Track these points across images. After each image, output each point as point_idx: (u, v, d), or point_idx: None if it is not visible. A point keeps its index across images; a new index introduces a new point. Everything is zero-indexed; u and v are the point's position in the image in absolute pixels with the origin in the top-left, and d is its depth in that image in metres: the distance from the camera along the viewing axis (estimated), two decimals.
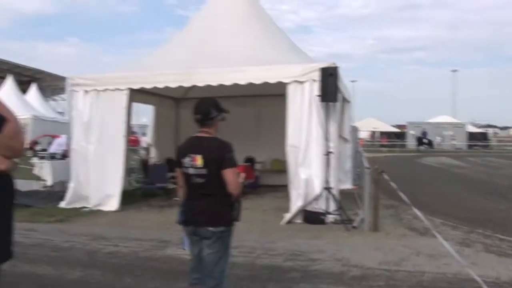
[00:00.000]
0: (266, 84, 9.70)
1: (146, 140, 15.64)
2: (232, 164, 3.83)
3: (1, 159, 1.94)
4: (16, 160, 2.01)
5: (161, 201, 11.22)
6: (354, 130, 15.44)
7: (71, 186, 10.80)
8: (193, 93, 13.44)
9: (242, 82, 9.75)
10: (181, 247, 4.28)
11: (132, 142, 25.46)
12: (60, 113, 42.19)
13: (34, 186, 12.95)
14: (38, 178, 13.27)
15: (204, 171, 3.79)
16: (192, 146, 3.93)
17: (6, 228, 2.09)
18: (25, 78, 45.42)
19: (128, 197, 11.36)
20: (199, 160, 3.81)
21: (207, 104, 3.95)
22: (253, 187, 12.84)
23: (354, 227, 8.53)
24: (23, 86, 36.78)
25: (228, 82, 9.83)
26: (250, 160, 13.65)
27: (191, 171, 3.85)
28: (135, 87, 10.67)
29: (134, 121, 17.04)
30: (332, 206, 9.16)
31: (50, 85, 52.80)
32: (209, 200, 3.84)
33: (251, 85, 9.80)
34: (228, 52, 10.54)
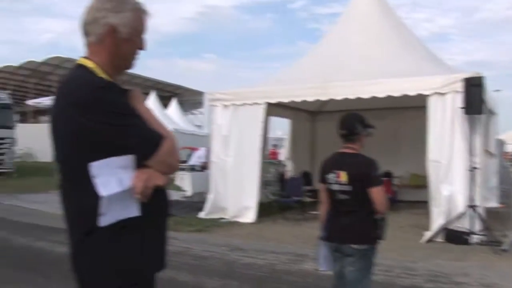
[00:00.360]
0: (404, 96, 9.37)
1: (282, 153, 15.79)
2: (378, 182, 3.73)
3: (159, 175, 2.01)
4: (170, 176, 2.06)
5: (296, 215, 11.23)
6: (500, 143, 14.38)
7: (210, 197, 11.18)
8: (329, 106, 13.38)
9: (381, 95, 9.50)
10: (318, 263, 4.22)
11: (271, 155, 25.78)
12: (198, 126, 44.04)
13: (175, 196, 13.60)
14: (178, 189, 13.90)
15: (348, 188, 3.72)
16: (337, 162, 3.88)
17: (162, 239, 2.17)
18: (166, 93, 48.09)
19: (264, 210, 11.52)
20: (343, 177, 3.74)
21: (353, 120, 3.88)
22: (391, 203, 12.40)
23: (503, 250, 7.89)
24: (164, 101, 38.89)
25: (365, 95, 9.63)
26: (388, 175, 13.22)
27: (335, 187, 3.79)
28: (273, 101, 10.83)
29: (269, 134, 17.27)
30: (477, 226, 8.54)
31: (189, 99, 55.34)
32: (353, 217, 3.75)
33: (389, 97, 9.52)
34: (364, 64, 10.36)
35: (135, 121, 1.98)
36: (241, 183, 10.79)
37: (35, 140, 34.57)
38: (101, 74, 2.05)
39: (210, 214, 11.01)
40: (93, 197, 1.90)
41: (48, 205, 13.22)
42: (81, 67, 2.08)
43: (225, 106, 11.21)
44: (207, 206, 11.17)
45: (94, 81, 1.99)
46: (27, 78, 49.60)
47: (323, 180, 3.95)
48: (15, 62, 47.40)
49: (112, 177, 1.92)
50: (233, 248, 8.22)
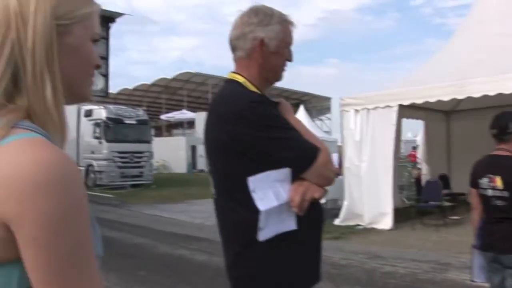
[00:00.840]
0: None
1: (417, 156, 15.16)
2: None
3: (316, 187, 1.97)
4: (326, 188, 2.00)
5: (436, 220, 10.68)
6: None
7: (345, 204, 10.99)
8: (464, 104, 12.60)
9: None
10: (469, 274, 3.91)
11: (411, 158, 24.91)
12: (327, 132, 43.88)
13: None
14: None
15: (505, 194, 3.39)
16: (490, 165, 3.56)
17: (317, 252, 2.13)
18: (293, 101, 48.52)
19: (401, 215, 11.11)
20: (498, 182, 3.43)
21: (506, 118, 3.54)
22: None
23: None
24: (292, 109, 39.28)
25: (508, 90, 8.93)
26: None
27: (490, 192, 3.48)
28: (405, 103, 10.42)
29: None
30: None
31: (316, 106, 55.41)
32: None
33: None
34: (505, 57, 9.61)
35: (290, 133, 1.96)
36: (376, 188, 10.48)
37: (169, 152, 36.53)
38: (251, 88, 2.07)
39: (346, 221, 10.81)
40: (251, 211, 1.89)
41: (185, 214, 13.84)
42: (232, 82, 2.11)
43: (357, 110, 11.00)
44: (342, 212, 10.99)
45: (247, 95, 2.01)
46: (160, 94, 52.56)
47: (475, 185, 3.65)
48: (148, 80, 50.50)
49: (270, 191, 1.90)
50: (372, 255, 7.99)
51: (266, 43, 2.05)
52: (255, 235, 1.90)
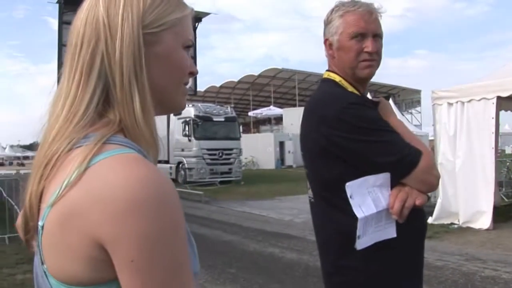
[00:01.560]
0: None
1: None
2: None
3: (417, 193, 1.83)
4: (428, 194, 1.86)
5: None
6: None
7: (439, 201, 10.54)
8: None
9: None
10: None
11: None
12: (417, 125, 42.63)
13: None
14: None
15: None
16: None
17: (419, 262, 2.03)
18: (382, 94, 47.58)
19: (500, 214, 10.51)
20: None
21: None
22: None
23: None
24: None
25: None
26: None
27: None
28: (504, 94, 9.78)
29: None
30: None
31: (405, 99, 54.12)
32: None
33: None
34: None
35: (390, 136, 1.85)
36: (473, 185, 9.92)
37: (257, 149, 36.94)
38: (348, 87, 1.98)
39: (440, 219, 10.35)
40: (349, 218, 1.79)
41: (274, 211, 13.86)
42: (328, 81, 2.04)
43: (450, 104, 10.48)
44: (436, 210, 10.51)
45: (345, 97, 1.93)
46: (247, 91, 53.29)
47: None
48: (235, 78, 51.41)
49: (368, 197, 1.79)
50: (469, 257, 7.58)
51: (330, 42, 2.01)
52: (352, 242, 1.81)
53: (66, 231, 0.82)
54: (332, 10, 2.01)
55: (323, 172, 1.94)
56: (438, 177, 1.90)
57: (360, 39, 1.95)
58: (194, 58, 26.35)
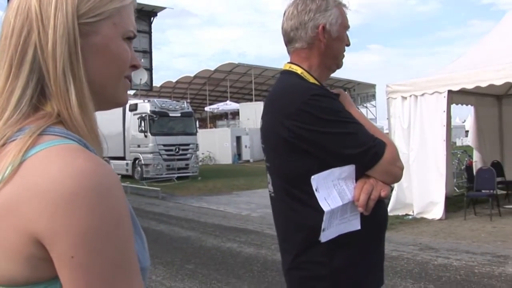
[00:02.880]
0: None
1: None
2: None
3: (382, 185, 1.83)
4: (392, 185, 1.87)
5: (489, 209, 10.28)
6: None
7: (394, 193, 10.73)
8: None
9: None
10: None
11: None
12: (372, 119, 43.34)
13: None
14: None
15: None
16: None
17: (380, 254, 2.02)
18: (337, 88, 48.10)
19: (452, 204, 10.81)
20: None
21: None
22: None
23: None
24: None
25: None
26: None
27: None
28: (455, 88, 10.05)
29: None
30: None
31: (360, 93, 54.89)
32: None
33: None
34: None
35: (354, 128, 1.83)
36: (426, 177, 10.16)
37: (214, 144, 36.83)
38: (310, 79, 1.95)
39: (395, 211, 10.55)
40: (312, 210, 1.79)
41: (232, 206, 13.86)
42: (289, 73, 2.00)
43: (404, 97, 10.70)
44: (391, 202, 10.70)
45: (307, 88, 1.89)
46: (203, 86, 53.00)
47: None
48: (191, 73, 51.03)
49: (334, 190, 1.78)
50: (423, 247, 7.78)
51: (328, 29, 1.94)
52: (316, 236, 1.79)
53: (2, 229, 0.77)
54: None
55: (286, 165, 1.91)
56: (402, 168, 1.90)
57: (347, 33, 2.05)
58: (149, 53, 26.10)
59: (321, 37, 1.94)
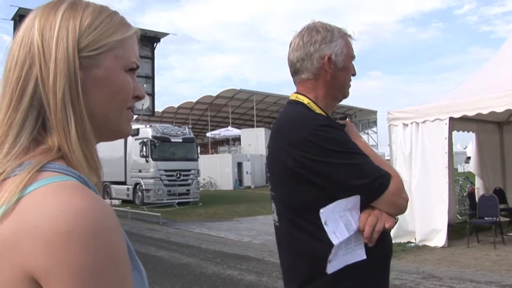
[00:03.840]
0: None
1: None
2: None
3: (387, 217, 1.81)
4: (397, 217, 1.85)
5: (492, 237, 10.18)
6: None
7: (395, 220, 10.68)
8: None
9: None
10: None
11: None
12: (373, 146, 43.33)
13: None
14: None
15: None
16: None
17: (385, 285, 2.00)
18: (339, 115, 48.06)
19: (455, 232, 10.73)
20: None
21: None
22: None
23: None
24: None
25: None
26: None
27: None
28: (457, 115, 10.08)
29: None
30: None
31: (361, 119, 55.00)
32: None
33: None
34: None
35: (359, 159, 1.83)
36: (428, 204, 10.12)
37: (215, 170, 36.81)
38: (317, 110, 1.96)
39: (397, 238, 10.44)
40: (316, 241, 1.79)
41: (233, 233, 13.76)
42: (296, 103, 2.00)
43: (405, 124, 10.72)
44: (393, 229, 10.57)
45: (314, 119, 1.89)
46: (205, 112, 53.19)
47: None
48: (193, 98, 51.32)
49: (341, 222, 1.76)
50: (426, 275, 7.69)
51: (333, 60, 1.96)
52: (320, 266, 1.76)
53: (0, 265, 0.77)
54: (329, 29, 1.99)
55: (291, 195, 1.90)
56: (407, 199, 1.88)
57: (353, 62, 2.06)
58: (152, 78, 26.23)
59: (327, 67, 1.95)
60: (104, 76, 0.95)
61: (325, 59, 1.95)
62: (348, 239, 1.77)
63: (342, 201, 1.76)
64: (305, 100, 1.97)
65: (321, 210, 1.74)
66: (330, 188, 1.80)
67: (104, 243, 0.76)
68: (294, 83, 2.07)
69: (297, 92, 2.04)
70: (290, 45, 2.04)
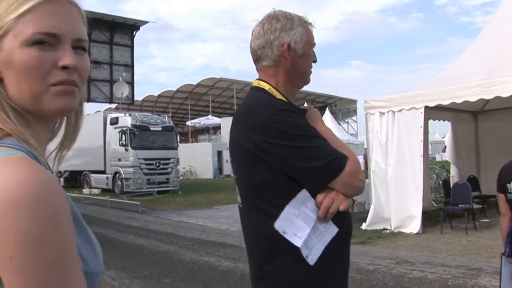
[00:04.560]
0: None
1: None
2: None
3: (342, 198, 1.88)
4: (354, 198, 1.92)
5: (465, 223, 10.40)
6: None
7: (372, 208, 10.86)
8: (492, 105, 12.35)
9: None
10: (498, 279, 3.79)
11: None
12: (353, 135, 43.58)
13: None
14: None
15: None
16: None
17: (347, 265, 2.06)
18: (319, 104, 48.44)
19: (429, 219, 10.94)
20: None
21: None
22: None
23: None
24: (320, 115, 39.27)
25: None
26: None
27: None
28: (432, 104, 10.24)
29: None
30: None
31: (341, 108, 55.22)
32: None
33: None
34: None
35: (316, 142, 1.88)
36: (404, 191, 10.31)
37: (195, 158, 36.74)
38: (278, 95, 2.01)
39: (373, 225, 10.67)
40: (273, 221, 1.84)
41: (211, 220, 13.84)
42: (257, 89, 2.06)
43: (382, 113, 10.87)
44: (369, 216, 10.84)
45: (273, 103, 1.95)
46: (185, 101, 52.89)
47: (503, 190, 3.54)
48: (173, 87, 50.93)
49: (297, 220, 1.83)
50: (400, 260, 7.85)
51: (293, 47, 2.01)
52: (280, 245, 1.85)
53: None
54: (289, 17, 2.03)
55: (251, 177, 1.96)
56: (363, 181, 1.95)
57: (313, 50, 2.11)
58: (131, 66, 26.08)
59: (286, 55, 2.01)
60: (6, 59, 0.94)
61: (285, 47, 2.00)
62: (314, 227, 1.83)
63: (289, 205, 1.83)
64: (266, 86, 2.03)
65: (275, 225, 1.82)
66: (287, 170, 1.86)
67: (45, 209, 0.81)
68: (257, 70, 2.12)
69: (259, 79, 2.09)
70: (252, 33, 2.09)
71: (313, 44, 2.11)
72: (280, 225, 1.83)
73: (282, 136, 1.84)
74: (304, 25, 2.07)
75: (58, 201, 0.84)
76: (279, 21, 2.02)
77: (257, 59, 2.09)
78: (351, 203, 1.91)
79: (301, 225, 1.82)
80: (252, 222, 2.02)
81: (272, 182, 1.87)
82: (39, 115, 0.98)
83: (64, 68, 0.96)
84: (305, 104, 2.31)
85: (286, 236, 1.82)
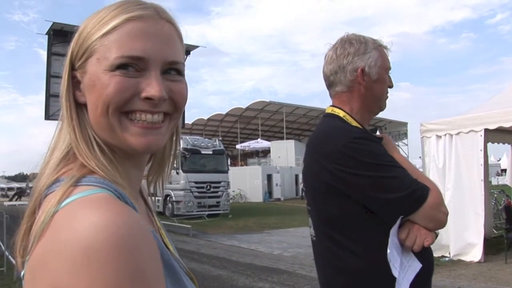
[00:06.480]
0: None
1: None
2: None
3: (425, 232, 1.76)
4: (437, 232, 1.78)
5: None
6: None
7: None
8: None
9: None
10: None
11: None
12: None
13: None
14: None
15: None
16: None
17: None
18: (369, 127, 47.79)
19: (491, 246, 10.46)
20: None
21: None
22: None
23: None
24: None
25: None
26: None
27: None
28: (492, 127, 9.86)
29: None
30: None
31: (392, 131, 54.37)
32: None
33: None
34: None
35: (396, 172, 1.78)
36: (463, 217, 9.88)
37: (244, 182, 36.84)
38: (353, 122, 1.94)
39: None
40: (352, 255, 1.76)
41: (263, 245, 13.70)
42: (331, 116, 1.99)
43: (439, 136, 10.54)
44: None
45: (349, 131, 1.87)
46: (234, 124, 53.36)
47: None
48: (223, 110, 51.58)
49: (394, 250, 1.71)
50: None
51: (367, 72, 1.93)
52: (360, 282, 1.77)
53: (36, 281, 0.74)
54: (363, 41, 1.97)
55: (327, 209, 1.87)
56: (446, 213, 1.82)
57: (389, 74, 2.04)
58: None
59: (360, 80, 1.93)
60: (90, 83, 0.87)
61: (358, 72, 1.93)
62: (401, 261, 1.72)
63: (392, 231, 1.71)
64: (341, 113, 1.96)
65: (388, 254, 1.69)
66: (366, 202, 1.77)
67: (126, 261, 0.71)
68: (330, 96, 2.05)
69: (332, 105, 2.02)
70: (324, 58, 2.03)
71: (389, 69, 2.02)
72: (391, 255, 1.71)
73: (360, 166, 1.75)
74: (379, 48, 1.99)
75: (142, 249, 0.73)
76: (352, 45, 1.95)
77: (330, 85, 2.02)
78: (434, 238, 1.78)
79: (395, 255, 1.72)
80: (328, 257, 1.92)
81: (349, 214, 1.78)
82: (121, 149, 0.91)
83: (147, 99, 0.86)
84: (378, 132, 2.20)
85: (394, 269, 1.69)
